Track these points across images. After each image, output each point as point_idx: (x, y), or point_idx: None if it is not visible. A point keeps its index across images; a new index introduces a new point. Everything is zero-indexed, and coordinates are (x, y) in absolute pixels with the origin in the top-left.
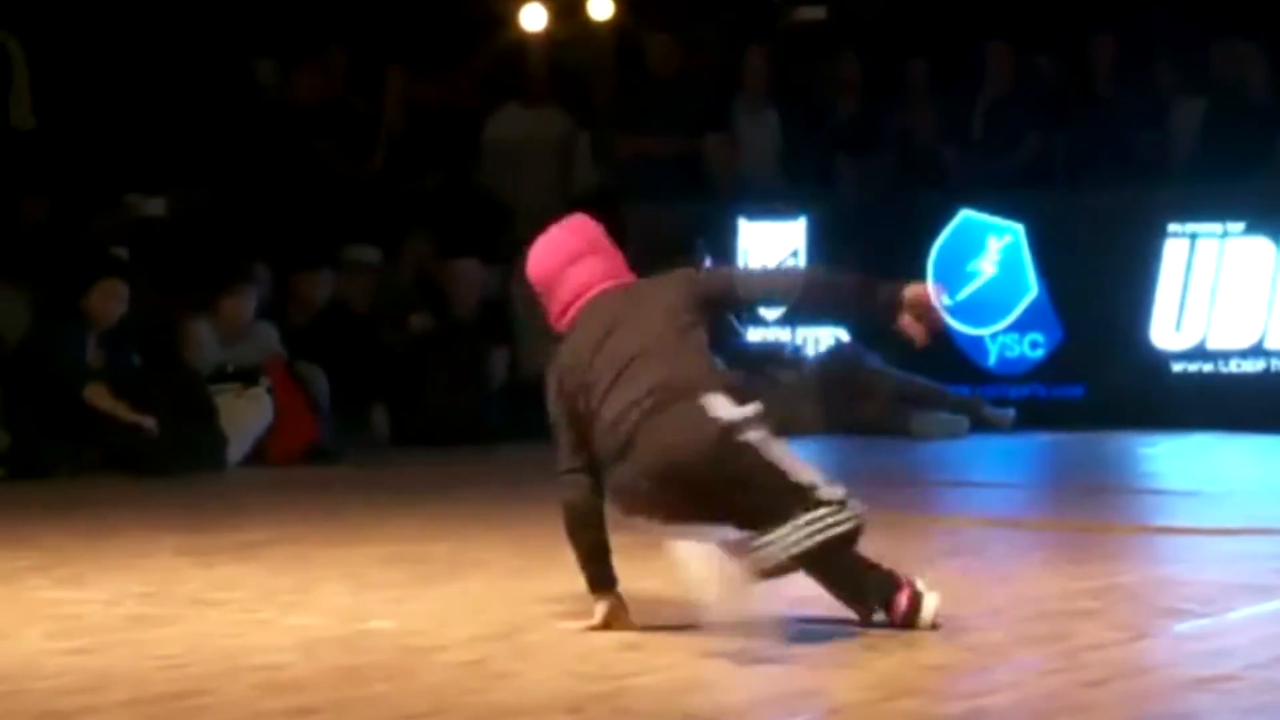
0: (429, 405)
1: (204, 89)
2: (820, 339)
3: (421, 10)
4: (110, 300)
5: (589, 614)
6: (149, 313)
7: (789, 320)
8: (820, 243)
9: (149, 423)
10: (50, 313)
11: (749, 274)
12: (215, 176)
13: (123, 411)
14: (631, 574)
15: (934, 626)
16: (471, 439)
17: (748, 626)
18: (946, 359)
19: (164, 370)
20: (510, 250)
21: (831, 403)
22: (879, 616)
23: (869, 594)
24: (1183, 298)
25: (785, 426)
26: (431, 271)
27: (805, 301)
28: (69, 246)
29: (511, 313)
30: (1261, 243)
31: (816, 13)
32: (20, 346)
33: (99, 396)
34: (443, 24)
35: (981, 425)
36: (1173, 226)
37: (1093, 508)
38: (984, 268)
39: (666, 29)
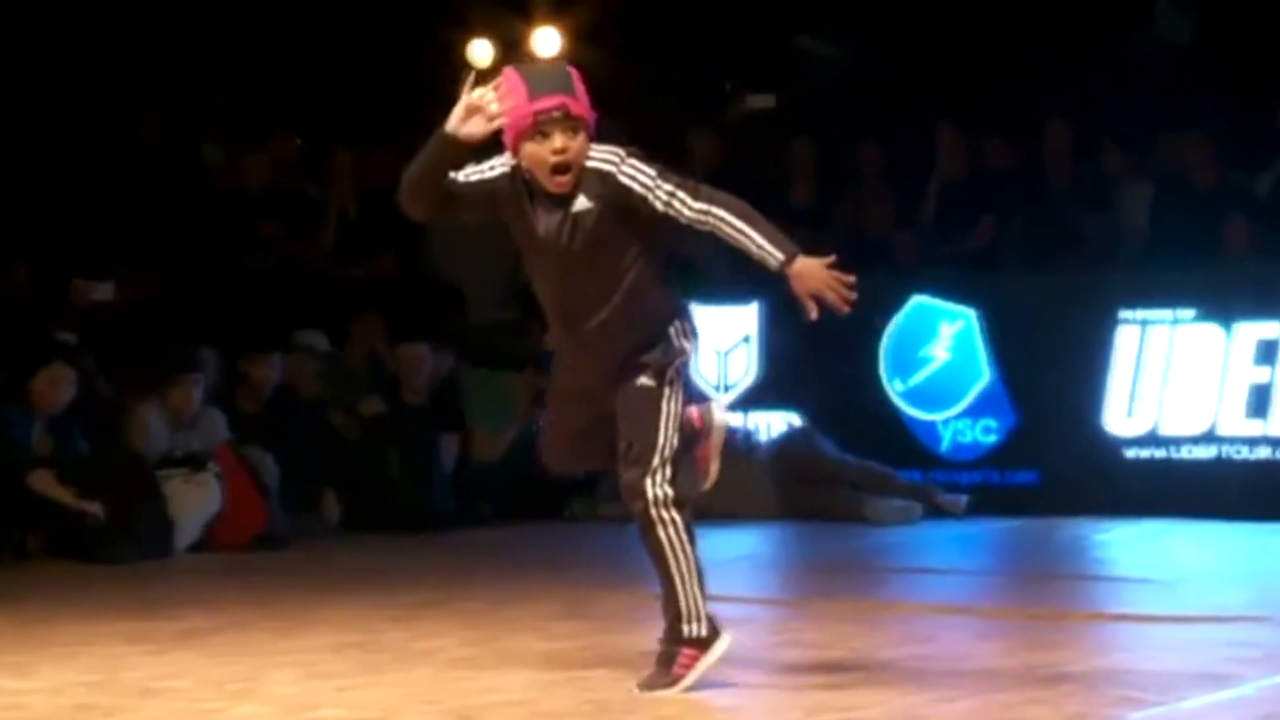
0: (379, 491)
1: (153, 172)
2: (773, 424)
3: (373, 91)
4: (57, 386)
5: (540, 702)
6: (96, 398)
7: (742, 406)
8: (772, 327)
9: (95, 509)
10: None
11: None
12: (164, 261)
13: (68, 498)
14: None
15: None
16: (421, 525)
17: None
18: (900, 445)
19: (111, 456)
20: (461, 334)
21: (785, 488)
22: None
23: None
24: (1134, 384)
25: (740, 510)
26: (382, 356)
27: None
28: (15, 331)
29: (462, 398)
30: (1212, 329)
31: (766, 100)
32: None
33: (44, 483)
34: (394, 104)
35: (935, 511)
36: (1124, 313)
37: (1045, 594)
38: (937, 353)
39: (615, 112)
